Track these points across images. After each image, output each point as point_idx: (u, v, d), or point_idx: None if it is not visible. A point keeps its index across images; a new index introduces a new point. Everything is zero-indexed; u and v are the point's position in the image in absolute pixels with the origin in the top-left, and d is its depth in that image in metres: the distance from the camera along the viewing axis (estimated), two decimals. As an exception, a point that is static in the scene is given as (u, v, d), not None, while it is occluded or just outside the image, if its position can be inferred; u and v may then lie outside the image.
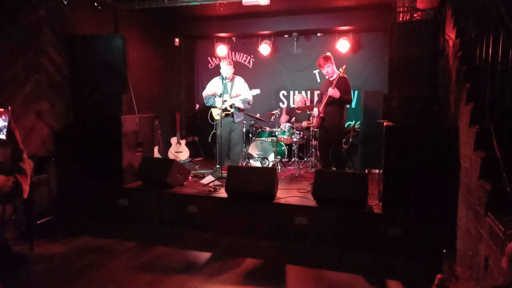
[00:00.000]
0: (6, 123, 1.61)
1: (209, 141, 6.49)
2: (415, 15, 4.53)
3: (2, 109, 1.61)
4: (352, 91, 5.59)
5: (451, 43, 4.00)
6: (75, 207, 5.04)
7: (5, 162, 1.84)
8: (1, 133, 1.61)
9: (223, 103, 5.66)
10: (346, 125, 6.50)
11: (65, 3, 4.86)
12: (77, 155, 5.19)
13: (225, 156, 6.03)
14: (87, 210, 5.07)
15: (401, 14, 4.96)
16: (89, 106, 5.25)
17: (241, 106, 5.77)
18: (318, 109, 5.34)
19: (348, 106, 6.21)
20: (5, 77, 4.33)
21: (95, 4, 5.27)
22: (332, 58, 5.30)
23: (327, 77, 5.42)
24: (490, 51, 2.69)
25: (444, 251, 3.23)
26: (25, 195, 1.60)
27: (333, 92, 5.05)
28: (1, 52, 4.28)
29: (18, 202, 4.17)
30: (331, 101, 5.19)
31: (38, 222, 4.15)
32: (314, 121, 5.53)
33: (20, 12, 4.49)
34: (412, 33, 3.92)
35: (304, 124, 6.68)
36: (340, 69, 5.19)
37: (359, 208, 4.17)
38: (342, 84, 5.13)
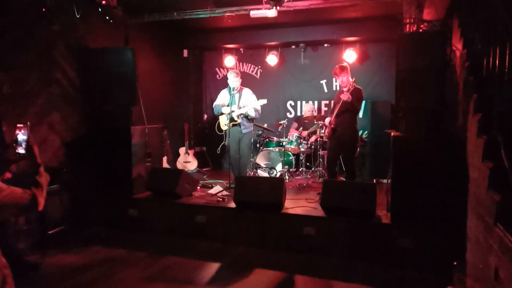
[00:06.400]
0: (25, 137, 1.67)
1: (218, 152, 6.52)
2: (421, 26, 4.55)
3: (22, 125, 1.67)
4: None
5: (458, 53, 4.01)
6: (86, 217, 5.09)
7: (23, 175, 1.89)
8: (21, 147, 1.67)
9: (230, 113, 5.66)
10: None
11: (78, 16, 4.97)
12: (88, 165, 5.25)
13: (235, 166, 6.00)
14: (98, 220, 5.12)
15: (408, 25, 4.99)
16: (99, 118, 5.34)
17: (252, 114, 5.69)
18: (330, 119, 5.37)
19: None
20: (20, 90, 4.42)
21: (107, 17, 5.38)
22: (349, 69, 5.33)
23: (341, 87, 5.43)
24: (497, 61, 2.71)
25: (455, 263, 3.20)
26: (40, 208, 1.65)
27: (346, 96, 5.08)
28: (17, 66, 4.39)
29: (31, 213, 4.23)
30: (344, 110, 5.21)
31: (50, 232, 4.21)
32: (326, 131, 5.54)
33: (35, 27, 4.61)
34: (419, 44, 3.95)
35: (313, 138, 6.66)
36: (350, 80, 5.22)
37: (367, 219, 4.16)
38: (355, 92, 5.17)
